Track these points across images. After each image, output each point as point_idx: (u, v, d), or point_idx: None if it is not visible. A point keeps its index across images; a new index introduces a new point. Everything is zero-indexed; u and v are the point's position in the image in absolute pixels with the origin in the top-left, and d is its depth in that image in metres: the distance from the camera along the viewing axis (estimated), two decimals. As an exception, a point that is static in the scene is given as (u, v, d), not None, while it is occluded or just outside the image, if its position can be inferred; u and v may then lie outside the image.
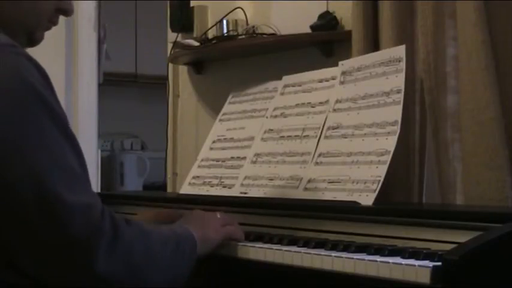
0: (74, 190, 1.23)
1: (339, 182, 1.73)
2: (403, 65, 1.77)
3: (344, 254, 1.33)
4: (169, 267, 1.36)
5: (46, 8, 1.39)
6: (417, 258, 1.24)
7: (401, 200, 1.94)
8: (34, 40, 1.40)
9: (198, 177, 2.16)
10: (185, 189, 2.17)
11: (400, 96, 1.73)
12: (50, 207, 1.21)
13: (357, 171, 1.70)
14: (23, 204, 1.20)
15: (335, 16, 2.39)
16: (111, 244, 1.24)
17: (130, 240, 1.28)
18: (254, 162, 2.00)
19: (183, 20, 2.91)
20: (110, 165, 5.37)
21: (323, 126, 1.88)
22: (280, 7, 2.61)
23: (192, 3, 2.92)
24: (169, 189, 3.08)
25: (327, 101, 1.93)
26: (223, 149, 2.15)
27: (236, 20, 2.69)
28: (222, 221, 1.56)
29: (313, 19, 2.41)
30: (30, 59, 1.26)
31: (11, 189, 1.20)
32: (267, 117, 2.08)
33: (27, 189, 1.20)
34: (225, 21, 2.70)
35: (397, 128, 1.69)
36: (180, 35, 2.93)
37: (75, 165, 1.26)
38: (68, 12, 1.43)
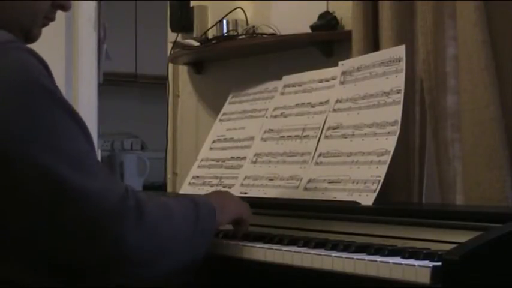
0: (90, 176, 1.24)
1: (339, 182, 1.73)
2: (403, 65, 1.77)
3: (344, 254, 1.33)
4: (188, 246, 1.38)
5: (42, 5, 1.40)
6: (417, 258, 1.24)
7: (401, 200, 1.94)
8: (31, 37, 1.40)
9: (198, 177, 2.16)
10: (185, 189, 2.17)
11: (400, 96, 1.73)
12: (67, 196, 1.22)
13: (357, 171, 1.70)
14: (39, 196, 1.21)
15: (335, 16, 2.39)
16: (138, 220, 1.26)
17: (156, 217, 1.30)
18: (254, 162, 2.00)
19: (183, 20, 2.91)
20: (110, 165, 5.37)
21: (323, 126, 1.88)
22: (280, 7, 2.61)
23: (192, 3, 2.92)
24: (169, 189, 3.08)
25: (327, 101, 1.93)
26: (223, 149, 2.15)
27: (236, 20, 2.69)
28: (242, 202, 1.60)
29: (313, 19, 2.41)
30: (34, 53, 1.27)
31: (26, 182, 1.21)
32: (267, 117, 2.08)
33: (43, 181, 1.21)
34: (225, 21, 2.71)
35: (397, 128, 1.69)
36: (180, 35, 2.93)
37: (88, 150, 1.28)
38: (65, 7, 1.43)
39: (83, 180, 1.23)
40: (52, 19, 1.43)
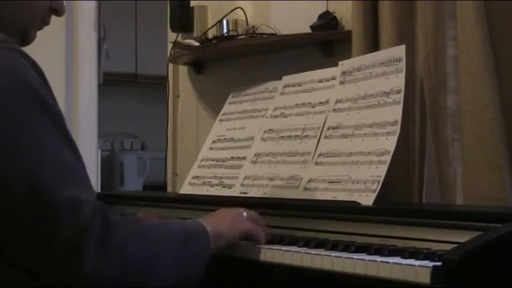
0: (65, 185, 1.21)
1: (339, 182, 1.72)
2: (403, 65, 1.77)
3: (344, 254, 1.33)
4: (177, 265, 1.32)
5: (40, 7, 1.40)
6: (417, 258, 1.24)
7: (401, 200, 1.94)
8: (27, 39, 1.40)
9: (198, 177, 2.16)
10: (185, 189, 2.17)
11: (400, 96, 1.73)
12: (39, 202, 1.19)
13: (357, 171, 1.70)
14: (16, 200, 1.20)
15: (335, 16, 2.39)
16: (101, 242, 1.21)
17: (124, 238, 1.24)
18: (254, 162, 2.00)
19: (183, 20, 2.91)
20: (110, 165, 5.37)
21: (323, 126, 1.88)
22: (280, 7, 2.61)
23: (192, 3, 2.92)
24: (169, 189, 3.08)
25: (327, 101, 1.93)
26: (223, 149, 2.15)
27: (236, 20, 2.69)
28: (246, 218, 1.52)
29: (313, 19, 2.41)
30: (25, 55, 1.26)
31: (5, 186, 1.20)
32: (267, 117, 2.08)
33: (20, 185, 1.19)
34: (225, 21, 2.71)
35: (397, 128, 1.69)
36: (180, 35, 2.93)
37: (70, 160, 1.25)
38: (59, 12, 1.43)
39: (53, 189, 1.19)
40: (47, 23, 1.43)
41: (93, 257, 1.20)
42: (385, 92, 1.77)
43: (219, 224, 1.46)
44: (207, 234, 1.40)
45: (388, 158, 1.66)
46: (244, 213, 1.53)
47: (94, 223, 1.21)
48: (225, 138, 2.18)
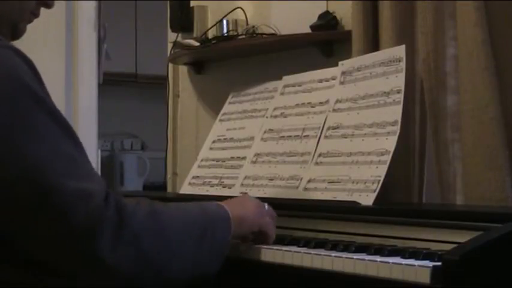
0: (72, 177, 1.19)
1: (339, 182, 1.72)
2: (403, 65, 1.77)
3: (344, 254, 1.33)
4: (194, 258, 1.29)
5: (31, 2, 1.39)
6: (417, 258, 1.24)
7: (401, 200, 1.94)
8: (17, 32, 1.39)
9: (198, 177, 2.16)
10: (185, 189, 2.17)
11: (400, 96, 1.73)
12: (48, 197, 1.18)
13: (357, 171, 1.70)
14: (22, 198, 1.19)
15: (335, 16, 2.39)
16: (117, 231, 1.18)
17: (140, 227, 1.22)
18: (254, 162, 2.00)
19: (183, 20, 2.91)
20: (110, 165, 5.37)
21: (323, 126, 1.88)
22: (280, 7, 2.61)
23: (192, 3, 2.93)
24: (169, 189, 3.08)
25: (327, 101, 1.93)
26: (223, 149, 2.15)
27: (236, 20, 2.69)
28: (265, 212, 1.49)
29: (313, 19, 2.41)
30: (18, 52, 1.25)
31: (8, 184, 1.19)
32: (267, 117, 2.08)
33: (25, 183, 1.18)
34: (225, 21, 2.71)
35: (397, 128, 1.69)
36: (180, 35, 2.93)
37: (73, 151, 1.23)
38: (48, 5, 1.42)
39: (60, 183, 1.18)
40: (37, 15, 1.42)
41: (110, 246, 1.18)
42: (385, 92, 1.77)
43: (242, 210, 1.42)
44: (228, 222, 1.36)
45: (388, 158, 1.66)
46: (266, 206, 1.51)
47: (107, 214, 1.19)
48: (225, 138, 2.18)
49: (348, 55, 2.11)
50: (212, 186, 2.08)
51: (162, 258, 1.25)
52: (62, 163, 1.20)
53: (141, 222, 1.23)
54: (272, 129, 2.03)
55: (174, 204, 1.37)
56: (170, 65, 3.05)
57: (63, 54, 3.22)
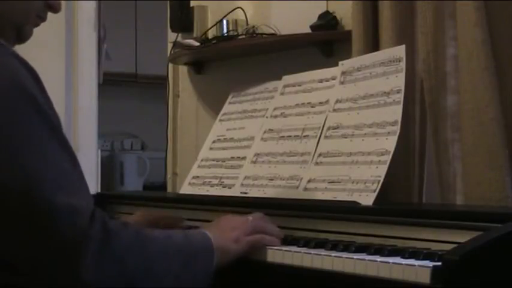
0: (63, 191, 1.19)
1: (339, 182, 1.72)
2: (403, 65, 1.77)
3: (344, 254, 1.33)
4: (176, 281, 1.29)
5: (36, 3, 1.38)
6: (417, 258, 1.24)
7: (401, 200, 1.94)
8: (23, 36, 1.37)
9: (198, 177, 2.16)
10: (185, 189, 2.17)
11: (400, 96, 1.73)
12: (36, 209, 1.17)
13: (357, 171, 1.70)
14: (12, 206, 1.18)
15: (335, 16, 2.39)
16: (100, 252, 1.18)
17: (124, 247, 1.22)
18: (254, 162, 2.00)
19: (183, 20, 2.91)
20: (110, 165, 5.37)
21: (323, 126, 1.88)
22: (280, 7, 2.61)
23: (192, 3, 2.93)
24: (169, 189, 3.08)
25: (327, 101, 1.93)
26: (223, 149, 2.15)
27: (236, 20, 2.69)
28: (252, 227, 1.47)
29: (313, 19, 2.41)
30: (19, 58, 1.24)
31: (1, 192, 1.18)
32: (267, 117, 2.08)
33: (17, 192, 1.18)
34: (225, 21, 2.71)
35: (397, 128, 1.69)
36: (180, 35, 2.93)
37: (67, 166, 1.23)
38: (55, 9, 1.41)
39: (50, 195, 1.18)
40: (44, 19, 1.41)
41: (91, 266, 1.18)
42: (385, 92, 1.77)
43: (225, 239, 1.41)
44: (211, 252, 1.36)
45: (388, 158, 1.66)
46: (250, 218, 1.50)
47: (91, 232, 1.19)
48: (225, 138, 2.18)
49: (348, 55, 2.11)
50: (212, 186, 2.08)
51: (143, 280, 1.24)
52: (54, 176, 1.20)
53: (126, 242, 1.23)
54: (272, 129, 2.03)
55: (160, 230, 1.38)
56: (170, 65, 3.05)
57: (63, 54, 3.23)
